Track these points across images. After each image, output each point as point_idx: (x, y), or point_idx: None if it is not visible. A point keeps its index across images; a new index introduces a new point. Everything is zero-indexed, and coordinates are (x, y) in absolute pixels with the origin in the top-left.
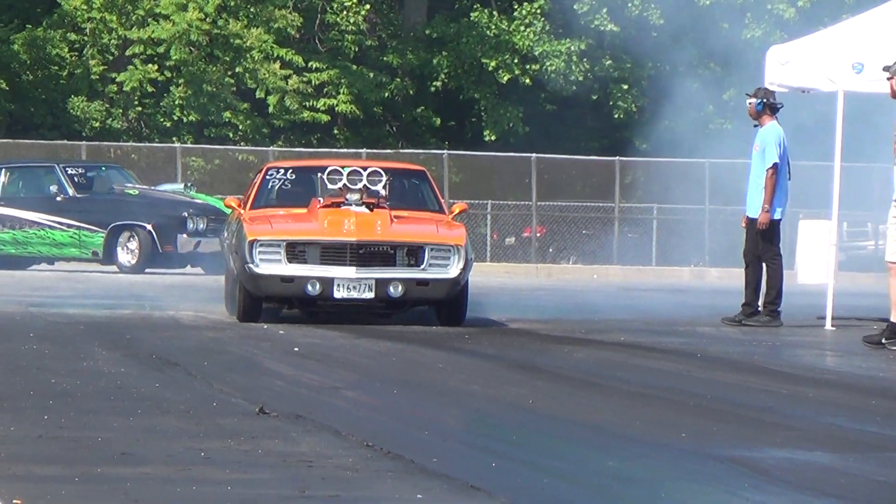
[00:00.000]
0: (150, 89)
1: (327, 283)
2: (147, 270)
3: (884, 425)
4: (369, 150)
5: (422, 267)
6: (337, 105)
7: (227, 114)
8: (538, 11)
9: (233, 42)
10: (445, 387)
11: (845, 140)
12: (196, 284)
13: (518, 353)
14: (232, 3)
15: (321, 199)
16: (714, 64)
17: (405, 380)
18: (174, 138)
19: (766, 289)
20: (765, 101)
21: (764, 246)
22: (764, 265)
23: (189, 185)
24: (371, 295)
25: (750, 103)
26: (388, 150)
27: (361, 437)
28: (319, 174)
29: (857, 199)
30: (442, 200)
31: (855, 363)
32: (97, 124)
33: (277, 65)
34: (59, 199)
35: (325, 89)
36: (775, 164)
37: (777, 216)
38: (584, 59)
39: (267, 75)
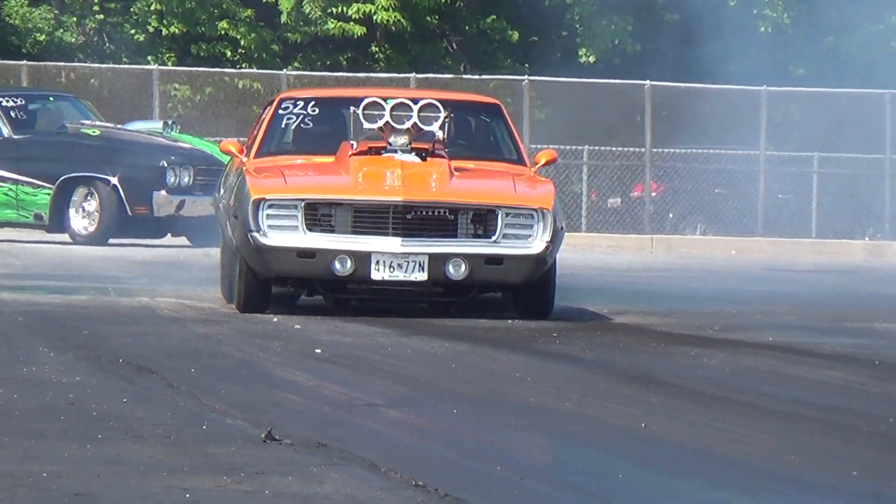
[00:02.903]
0: None
1: (362, 259)
2: (111, 241)
3: None
4: (420, 76)
5: (493, 238)
6: (375, 13)
7: (223, 24)
8: None
9: None
10: (526, 404)
11: None
12: (179, 261)
13: (625, 359)
14: None
15: (354, 144)
16: None
17: (469, 394)
18: (149, 58)
19: None
20: None
21: None
22: None
23: (171, 122)
24: (423, 276)
25: None
26: (447, 76)
27: (408, 474)
28: (352, 108)
29: None
30: (522, 146)
31: None
32: (43, 38)
33: None
34: None
35: None
36: None
37: None
38: None
39: None
